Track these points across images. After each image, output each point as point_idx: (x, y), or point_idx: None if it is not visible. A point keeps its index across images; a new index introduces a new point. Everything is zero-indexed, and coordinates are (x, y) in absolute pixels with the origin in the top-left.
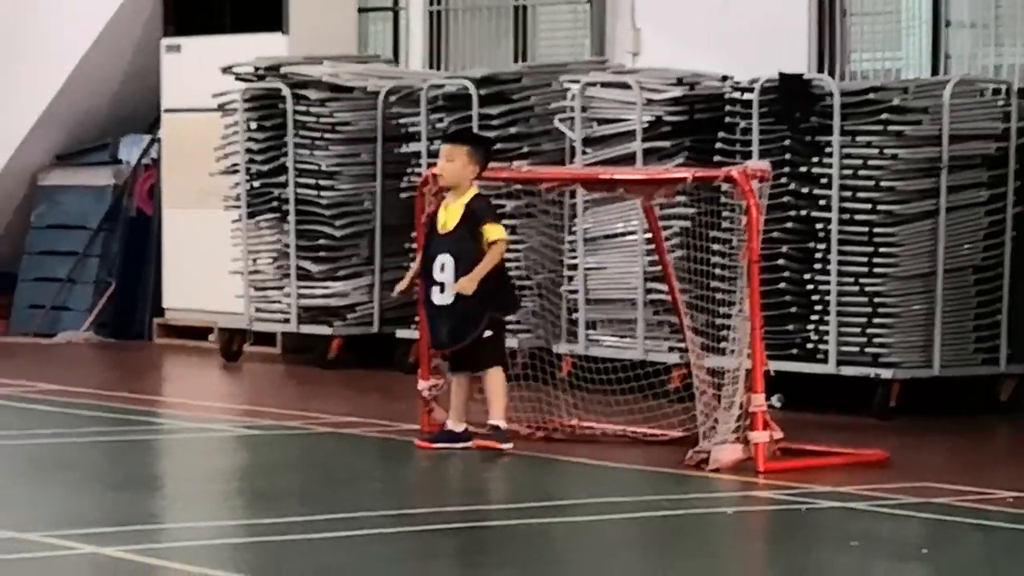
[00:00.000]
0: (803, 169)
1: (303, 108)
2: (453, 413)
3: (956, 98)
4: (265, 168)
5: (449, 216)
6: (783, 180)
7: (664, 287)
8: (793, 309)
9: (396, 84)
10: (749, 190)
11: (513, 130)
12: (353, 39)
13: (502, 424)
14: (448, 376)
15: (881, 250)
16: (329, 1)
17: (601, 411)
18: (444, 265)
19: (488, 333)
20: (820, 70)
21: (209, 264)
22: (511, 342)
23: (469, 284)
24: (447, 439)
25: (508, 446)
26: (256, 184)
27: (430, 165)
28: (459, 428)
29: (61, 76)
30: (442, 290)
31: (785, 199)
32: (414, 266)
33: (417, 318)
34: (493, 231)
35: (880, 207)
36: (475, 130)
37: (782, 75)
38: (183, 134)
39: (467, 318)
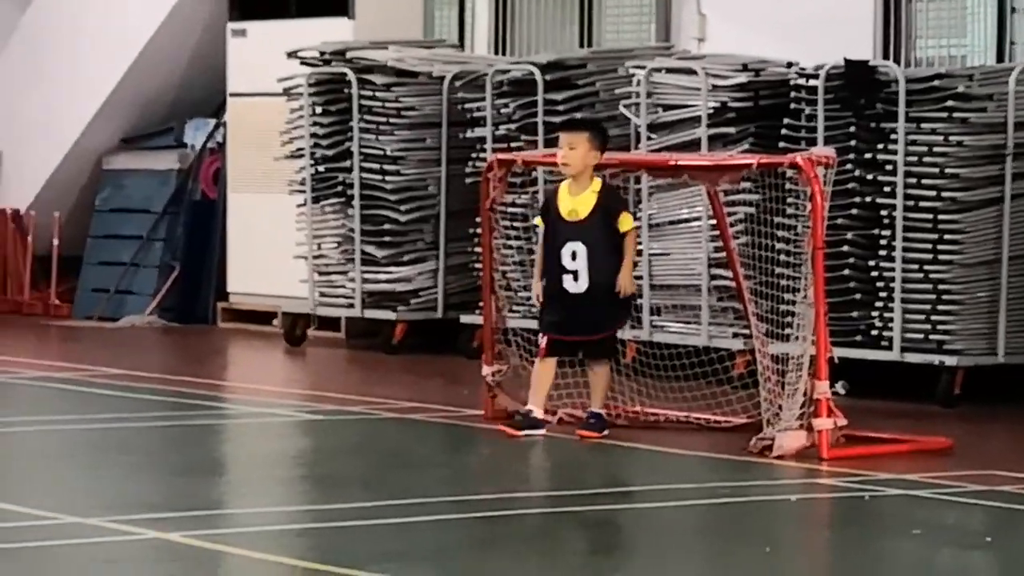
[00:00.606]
0: (868, 156)
1: (368, 93)
2: (537, 399)
3: (1021, 85)
4: (330, 153)
5: (579, 204)
6: (848, 167)
7: (728, 273)
8: (857, 296)
9: (461, 69)
10: (814, 176)
11: (578, 116)
12: (419, 24)
13: (604, 413)
14: (512, 362)
15: (946, 237)
16: None
17: (665, 397)
18: (576, 253)
19: (617, 327)
20: (885, 57)
21: (273, 248)
22: None
23: (629, 283)
24: (532, 425)
25: (606, 433)
26: (321, 168)
27: (495, 150)
28: (541, 414)
29: (127, 60)
30: (576, 278)
31: (850, 186)
32: (536, 271)
33: (481, 303)
34: (628, 220)
35: (945, 194)
36: (585, 117)
37: (847, 61)
38: (248, 118)
39: (606, 309)
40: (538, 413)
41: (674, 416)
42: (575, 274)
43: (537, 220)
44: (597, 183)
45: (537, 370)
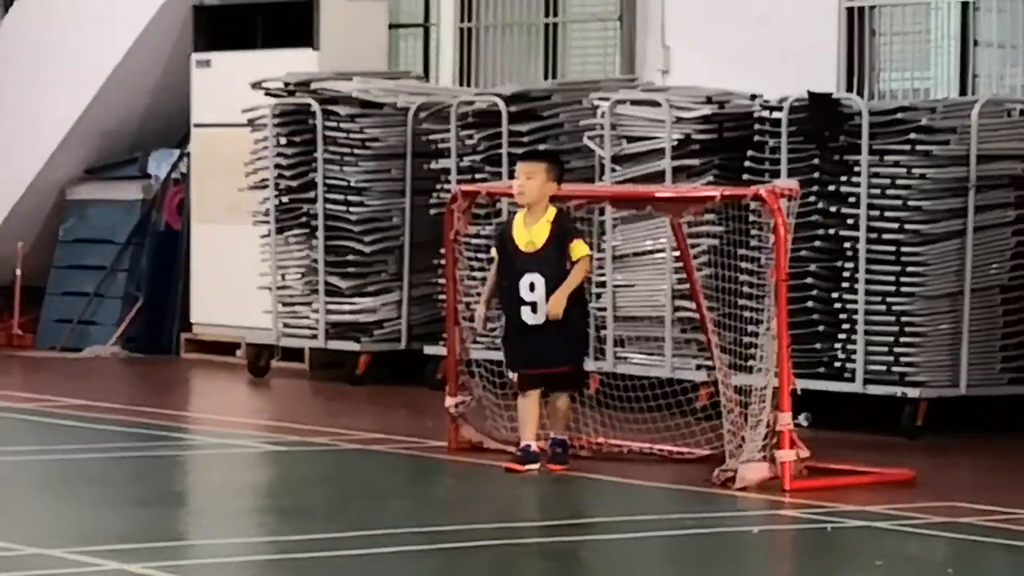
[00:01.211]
0: (831, 188)
1: (333, 124)
2: (529, 433)
3: (984, 118)
4: (294, 183)
5: (535, 235)
6: (811, 199)
7: (692, 305)
8: (820, 328)
9: (426, 100)
10: (777, 208)
11: (542, 147)
12: (384, 55)
13: (567, 438)
14: (476, 393)
15: (908, 269)
16: (360, 17)
17: (628, 429)
18: (534, 284)
19: (582, 361)
20: (849, 89)
21: (237, 279)
22: None
23: (558, 304)
24: (531, 460)
25: (564, 466)
26: (285, 199)
27: (459, 181)
28: (536, 447)
29: (91, 90)
30: (534, 310)
31: (813, 218)
32: (484, 295)
33: (445, 335)
34: (580, 248)
35: (908, 226)
36: (545, 149)
37: (811, 94)
38: (212, 149)
39: (566, 341)
40: (534, 447)
41: (637, 447)
42: (533, 306)
43: (493, 250)
44: (551, 212)
45: (520, 406)
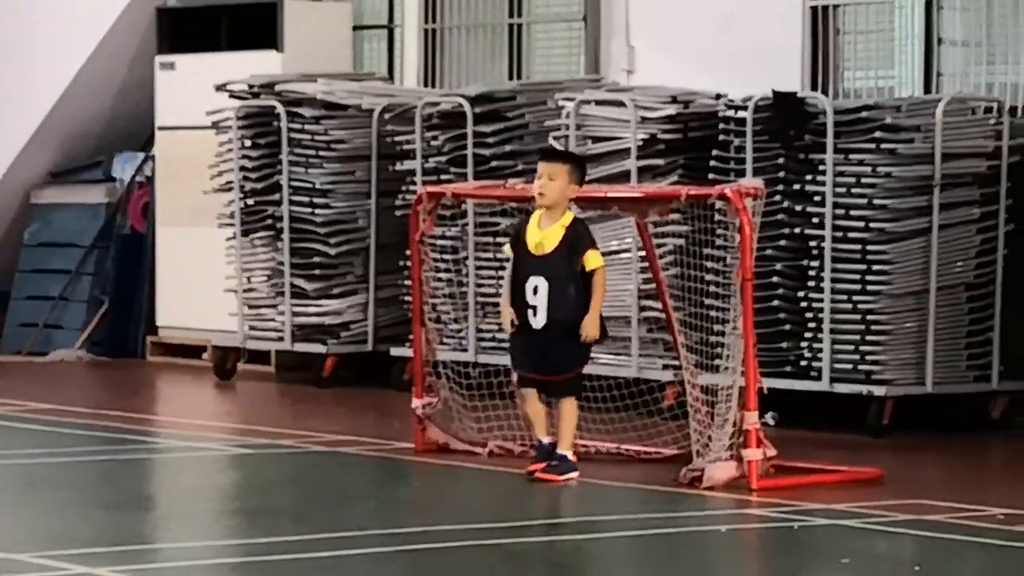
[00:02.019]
0: (796, 187)
1: (297, 126)
2: (540, 429)
3: (948, 116)
4: (259, 186)
5: (546, 238)
6: (776, 198)
7: (658, 304)
8: (787, 327)
9: (391, 102)
10: (743, 208)
11: (508, 148)
12: (348, 57)
13: (569, 455)
14: (442, 394)
15: (874, 268)
16: (324, 19)
17: (595, 429)
18: (537, 288)
19: (577, 369)
20: (814, 88)
21: (203, 282)
22: (504, 359)
23: (593, 327)
24: (551, 455)
25: (575, 475)
26: (250, 202)
27: (425, 183)
28: (548, 440)
29: (55, 94)
30: (535, 313)
31: (779, 217)
32: (504, 296)
33: (411, 336)
34: (596, 258)
35: (873, 225)
36: (566, 149)
37: (776, 93)
38: (177, 152)
39: (564, 348)
40: (545, 440)
41: (604, 447)
42: (534, 309)
43: (506, 248)
44: (568, 217)
45: (521, 409)
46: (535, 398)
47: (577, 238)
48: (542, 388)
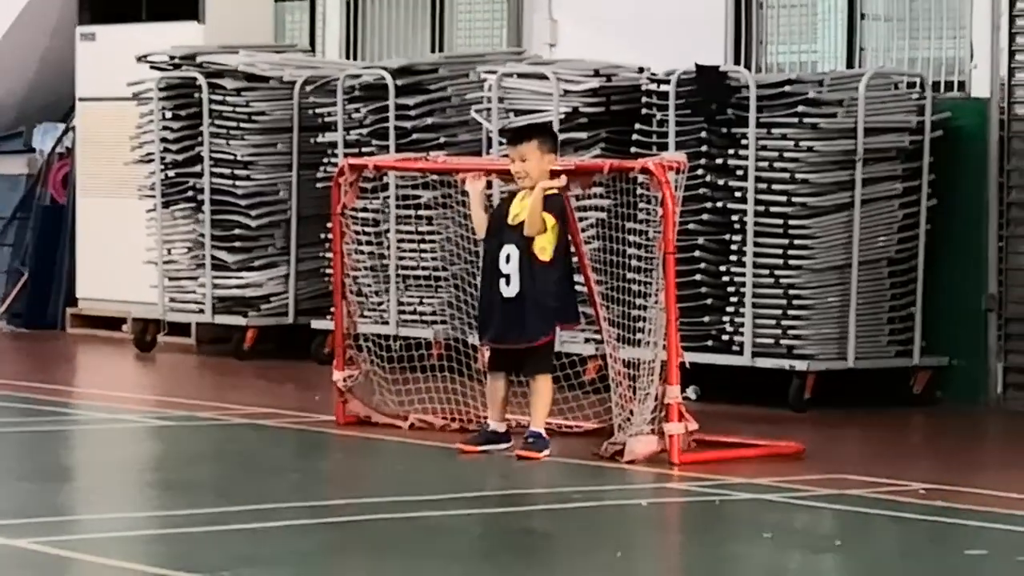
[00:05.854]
0: (719, 161)
1: (219, 97)
2: (493, 413)
3: (871, 91)
4: (180, 158)
5: (522, 209)
6: (699, 172)
7: (580, 278)
8: (709, 301)
9: (312, 74)
10: (665, 181)
11: (430, 120)
12: (269, 29)
13: (543, 432)
14: (364, 367)
15: (796, 242)
16: None
17: (516, 402)
18: (510, 256)
19: (544, 339)
20: (736, 62)
21: (123, 254)
22: (425, 332)
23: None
24: (491, 440)
25: (546, 453)
26: (171, 174)
27: (346, 155)
28: (501, 428)
29: None
30: (508, 282)
31: (701, 191)
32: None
33: (332, 309)
34: (547, 218)
35: (795, 199)
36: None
37: (698, 67)
38: (98, 123)
39: (534, 315)
40: (497, 427)
41: (526, 420)
42: (508, 278)
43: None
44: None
45: (487, 387)
46: (500, 382)
47: (548, 208)
48: (514, 365)
